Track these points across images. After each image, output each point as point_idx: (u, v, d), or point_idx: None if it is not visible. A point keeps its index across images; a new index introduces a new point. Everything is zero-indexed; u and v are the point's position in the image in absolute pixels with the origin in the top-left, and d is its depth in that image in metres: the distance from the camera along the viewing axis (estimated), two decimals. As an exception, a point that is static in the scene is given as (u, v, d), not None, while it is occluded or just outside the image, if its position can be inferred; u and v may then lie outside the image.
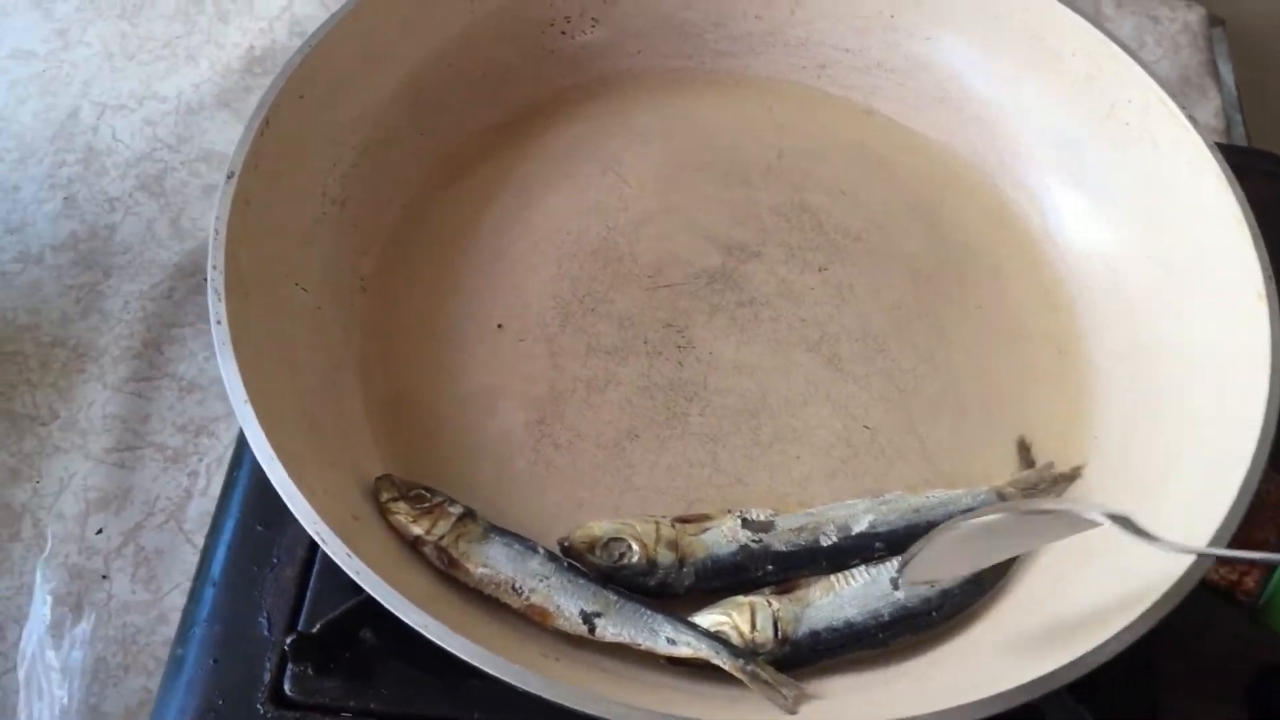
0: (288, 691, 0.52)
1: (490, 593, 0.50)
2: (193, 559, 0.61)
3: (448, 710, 0.52)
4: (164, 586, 0.61)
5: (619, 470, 0.55)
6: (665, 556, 0.50)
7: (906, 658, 0.50)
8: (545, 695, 0.43)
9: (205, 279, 0.70)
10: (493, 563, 0.50)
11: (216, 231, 0.51)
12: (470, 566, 0.50)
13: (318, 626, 0.50)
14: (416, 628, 0.43)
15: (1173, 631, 0.55)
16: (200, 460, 0.65)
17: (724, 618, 0.49)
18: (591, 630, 0.49)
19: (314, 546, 0.56)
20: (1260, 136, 0.83)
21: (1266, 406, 0.49)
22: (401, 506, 0.50)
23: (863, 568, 0.51)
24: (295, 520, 0.53)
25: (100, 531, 0.62)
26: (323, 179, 0.58)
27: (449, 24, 0.63)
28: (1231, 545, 0.46)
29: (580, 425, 0.56)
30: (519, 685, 0.43)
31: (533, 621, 0.49)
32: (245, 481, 0.58)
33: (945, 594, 0.50)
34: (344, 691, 0.52)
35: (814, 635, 0.49)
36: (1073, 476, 0.55)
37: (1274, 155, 0.75)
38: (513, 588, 0.49)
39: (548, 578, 0.50)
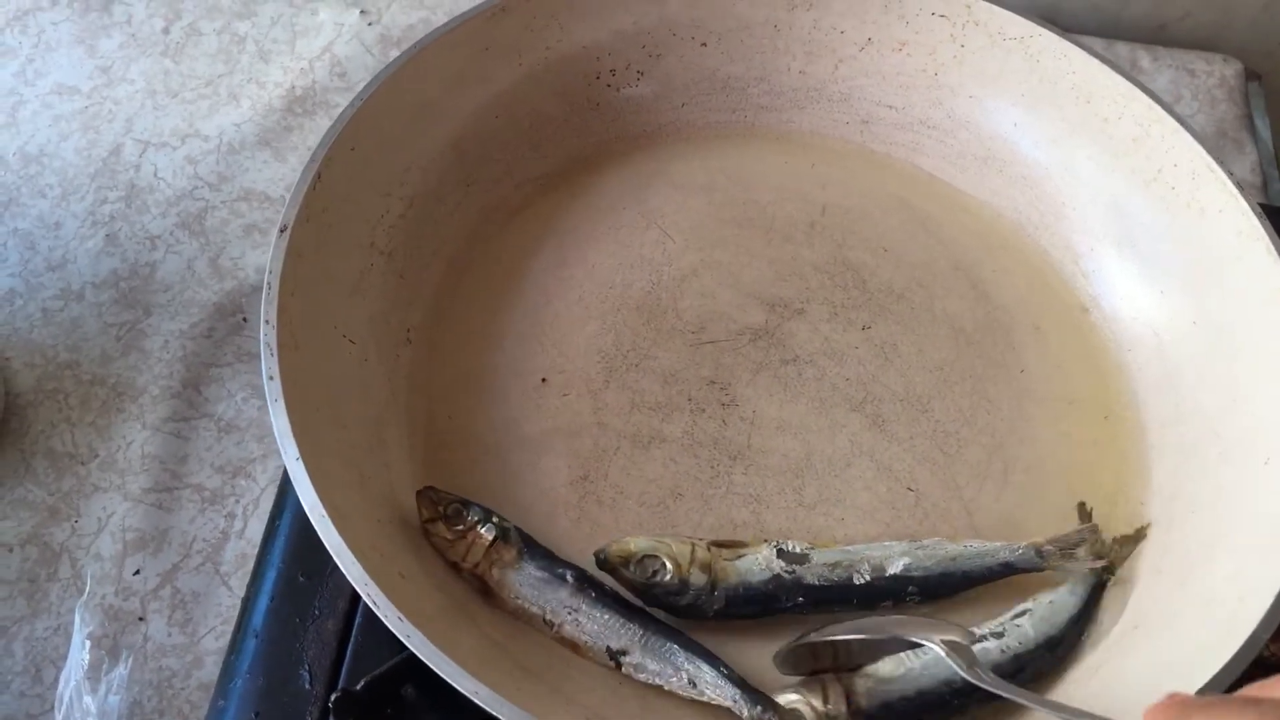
0: (329, 747, 0.52)
1: (525, 621, 0.50)
2: (228, 601, 0.61)
3: (489, 769, 0.52)
4: (200, 630, 0.61)
5: (662, 529, 0.55)
6: (698, 578, 0.51)
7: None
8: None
9: (244, 318, 0.71)
10: (524, 596, 0.51)
11: (269, 285, 0.51)
12: (505, 596, 0.50)
13: (361, 684, 0.50)
14: (467, 694, 0.43)
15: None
16: (237, 502, 0.65)
17: (795, 695, 0.49)
18: (619, 667, 0.49)
19: (356, 598, 0.56)
20: (1299, 191, 0.83)
21: (1317, 481, 0.48)
22: (439, 528, 0.51)
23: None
24: (337, 571, 0.53)
25: (138, 573, 0.62)
26: (371, 230, 0.58)
27: (498, 78, 0.63)
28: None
29: (624, 483, 0.56)
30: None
31: (567, 649, 0.50)
32: (286, 531, 0.59)
33: (1016, 659, 0.50)
34: (385, 748, 0.52)
35: (887, 709, 0.49)
36: (1138, 538, 0.54)
37: (1315, 216, 0.75)
38: (544, 620, 0.50)
39: (575, 610, 0.50)
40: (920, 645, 0.48)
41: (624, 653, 0.49)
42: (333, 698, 0.50)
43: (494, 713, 0.43)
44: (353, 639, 0.55)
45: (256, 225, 0.76)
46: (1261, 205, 0.78)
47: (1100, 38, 0.90)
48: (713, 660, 0.49)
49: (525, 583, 0.50)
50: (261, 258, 0.74)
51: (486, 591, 0.50)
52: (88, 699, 0.58)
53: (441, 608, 0.50)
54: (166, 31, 0.86)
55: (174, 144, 0.80)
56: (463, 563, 0.50)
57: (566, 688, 0.49)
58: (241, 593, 0.61)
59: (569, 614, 0.50)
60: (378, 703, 0.52)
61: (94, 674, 0.58)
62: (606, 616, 0.50)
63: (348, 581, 0.54)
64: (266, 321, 0.50)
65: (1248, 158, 0.85)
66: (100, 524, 0.64)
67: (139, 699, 0.59)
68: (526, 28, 0.63)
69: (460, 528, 0.51)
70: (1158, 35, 0.91)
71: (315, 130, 0.82)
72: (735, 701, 0.48)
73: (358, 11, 0.88)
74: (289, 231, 0.52)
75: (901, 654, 0.50)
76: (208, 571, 0.63)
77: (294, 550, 0.58)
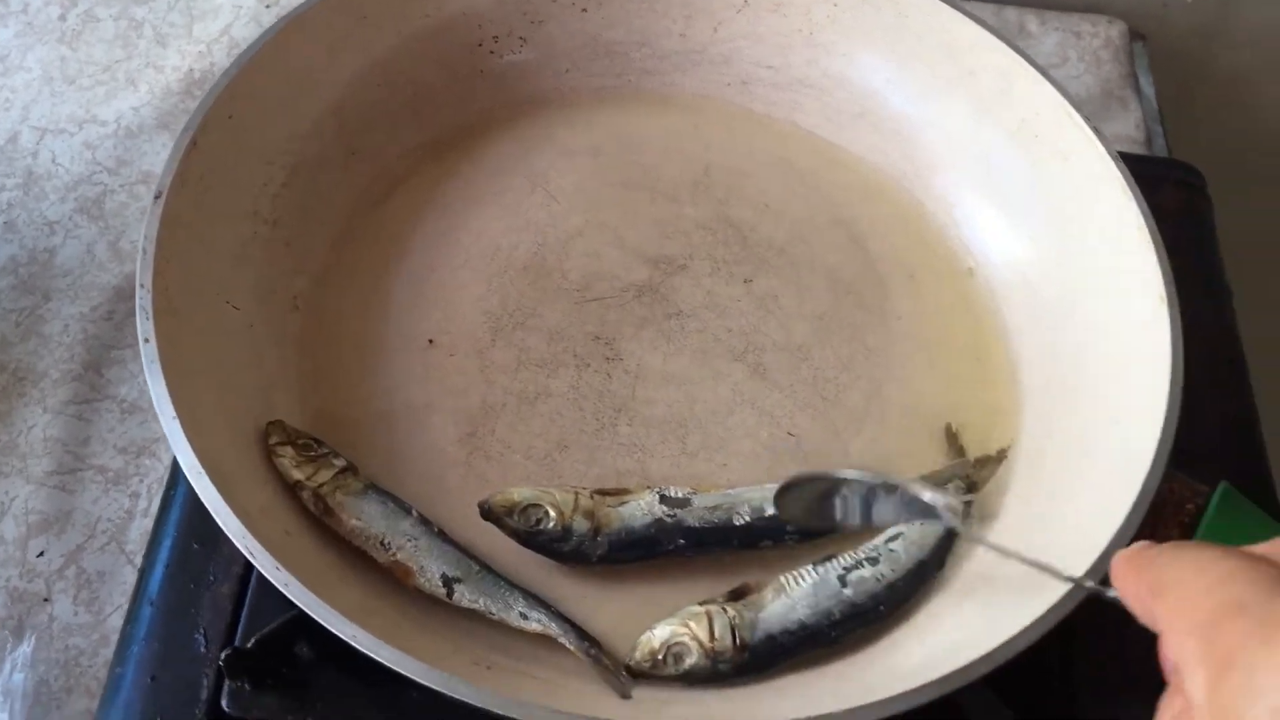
0: (225, 708, 0.53)
1: (359, 544, 0.52)
2: (132, 581, 0.61)
3: (382, 720, 0.53)
4: (105, 608, 0.61)
5: (549, 481, 0.56)
6: (581, 524, 0.52)
7: (852, 653, 0.52)
8: (474, 701, 0.44)
9: (144, 300, 0.71)
10: (365, 517, 0.52)
11: (144, 251, 0.51)
12: (344, 517, 0.52)
13: (252, 641, 0.51)
14: (345, 638, 0.44)
15: (1091, 632, 0.57)
16: (142, 481, 0.65)
17: (683, 629, 0.50)
18: (450, 594, 0.51)
19: (250, 564, 0.57)
20: (1180, 148, 0.86)
21: (1168, 407, 0.50)
22: (288, 451, 0.53)
23: (810, 567, 0.53)
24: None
25: (41, 554, 0.62)
26: (254, 199, 0.59)
27: (377, 46, 0.64)
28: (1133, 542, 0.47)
29: (511, 438, 0.57)
30: (448, 693, 0.44)
31: (394, 576, 0.51)
32: (182, 500, 0.59)
33: (890, 587, 0.52)
34: (281, 706, 0.53)
35: (771, 639, 0.51)
36: (999, 459, 0.57)
37: (1188, 165, 0.77)
38: (381, 543, 0.52)
39: (416, 539, 0.52)
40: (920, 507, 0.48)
41: (459, 580, 0.51)
42: (223, 655, 0.51)
43: (375, 655, 0.44)
44: (247, 603, 0.56)
45: (156, 208, 0.76)
46: (1145, 156, 0.81)
47: (990, 3, 0.92)
48: (543, 601, 0.52)
49: (368, 507, 0.52)
50: (162, 240, 0.75)
51: (326, 512, 0.52)
52: (-9, 678, 0.58)
53: (327, 564, 0.51)
54: (63, 19, 0.86)
55: (71, 130, 0.80)
56: (307, 480, 0.52)
57: (452, 635, 0.50)
58: (134, 584, 0.61)
59: (408, 541, 0.52)
60: (270, 661, 0.53)
61: (-3, 654, 0.59)
62: (446, 548, 0.52)
63: (240, 550, 0.55)
64: (141, 286, 0.50)
65: (1132, 115, 0.87)
66: (3, 508, 0.64)
67: (45, 678, 0.59)
68: (405, -5, 0.64)
69: (311, 454, 0.53)
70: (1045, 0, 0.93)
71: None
72: (564, 633, 0.50)
73: (256, -8, 0.89)
74: (164, 198, 0.53)
75: (781, 579, 0.52)
76: (113, 551, 0.63)
77: (189, 519, 0.58)
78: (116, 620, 0.61)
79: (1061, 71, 0.88)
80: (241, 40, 0.86)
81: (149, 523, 0.63)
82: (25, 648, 0.60)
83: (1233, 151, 0.93)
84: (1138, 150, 0.82)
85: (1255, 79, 0.97)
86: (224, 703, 0.53)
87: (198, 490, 0.47)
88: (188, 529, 0.58)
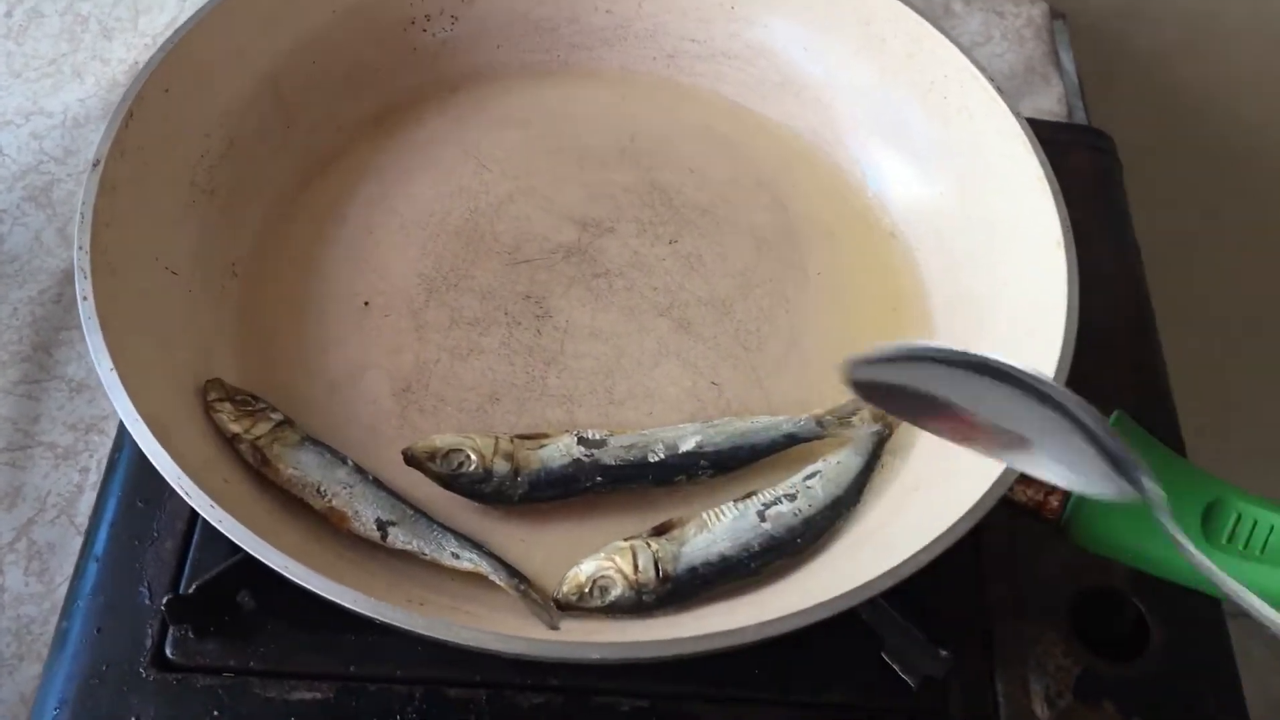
0: (169, 655, 0.55)
1: (296, 493, 0.54)
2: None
3: (322, 665, 0.55)
4: (56, 579, 0.63)
5: (481, 431, 0.58)
6: (501, 466, 0.55)
7: (770, 584, 0.54)
8: (406, 625, 0.46)
9: (93, 284, 0.73)
10: (302, 466, 0.54)
11: (82, 215, 0.54)
12: (280, 467, 0.54)
13: (193, 588, 0.53)
14: (279, 570, 0.46)
15: (1003, 558, 0.60)
16: (91, 456, 0.67)
17: (608, 563, 0.53)
18: (384, 537, 0.53)
19: (193, 519, 0.59)
20: (1099, 120, 0.89)
21: (1064, 339, 0.53)
22: (225, 406, 0.55)
23: (730, 504, 0.55)
24: (175, 495, 0.56)
25: (-9, 528, 0.64)
26: (191, 169, 0.61)
27: (310, 22, 0.66)
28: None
29: (444, 391, 0.60)
30: (380, 618, 0.46)
31: (330, 524, 0.54)
32: (126, 460, 0.61)
33: (807, 521, 0.55)
34: (224, 652, 0.55)
35: (692, 571, 0.53)
36: None
37: (1098, 131, 0.81)
38: (317, 490, 0.54)
39: (351, 486, 0.54)
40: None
41: (393, 524, 0.53)
42: (165, 601, 0.53)
43: (308, 586, 0.46)
44: (189, 558, 0.58)
45: (104, 196, 0.78)
46: (1060, 123, 0.84)
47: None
48: (474, 542, 0.54)
49: (304, 457, 0.55)
50: (110, 226, 0.76)
51: (264, 463, 0.54)
52: (-58, 647, 0.60)
53: (265, 510, 0.53)
54: (9, 15, 0.88)
55: (19, 122, 0.81)
56: (245, 433, 0.54)
57: (386, 575, 0.52)
58: (80, 544, 0.63)
59: (343, 488, 0.54)
60: (213, 609, 0.55)
61: (-52, 623, 0.60)
62: (380, 494, 0.54)
63: (185, 505, 0.57)
64: (80, 248, 0.53)
65: (1054, 90, 0.91)
66: (-47, 484, 0.65)
67: (-3, 646, 0.61)
68: (337, -28, 0.66)
69: (249, 409, 0.55)
70: (969, -19, 0.96)
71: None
72: (494, 570, 0.53)
73: (201, -14, 0.91)
74: (101, 164, 0.55)
75: (704, 515, 0.54)
76: (63, 524, 0.65)
77: (133, 478, 0.60)
78: (67, 590, 0.63)
79: (986, 49, 0.91)
80: (187, 33, 0.87)
81: (98, 496, 0.65)
82: (-24, 616, 0.62)
83: (1149, 122, 0.97)
84: (1060, 122, 0.86)
85: (1170, 55, 1.01)
86: (168, 650, 0.55)
87: (135, 437, 0.48)
88: (132, 489, 0.60)
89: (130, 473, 0.60)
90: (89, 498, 0.66)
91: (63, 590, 0.63)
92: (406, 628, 0.45)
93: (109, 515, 0.60)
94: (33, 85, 0.84)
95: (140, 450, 0.56)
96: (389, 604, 0.45)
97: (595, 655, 0.46)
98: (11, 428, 0.68)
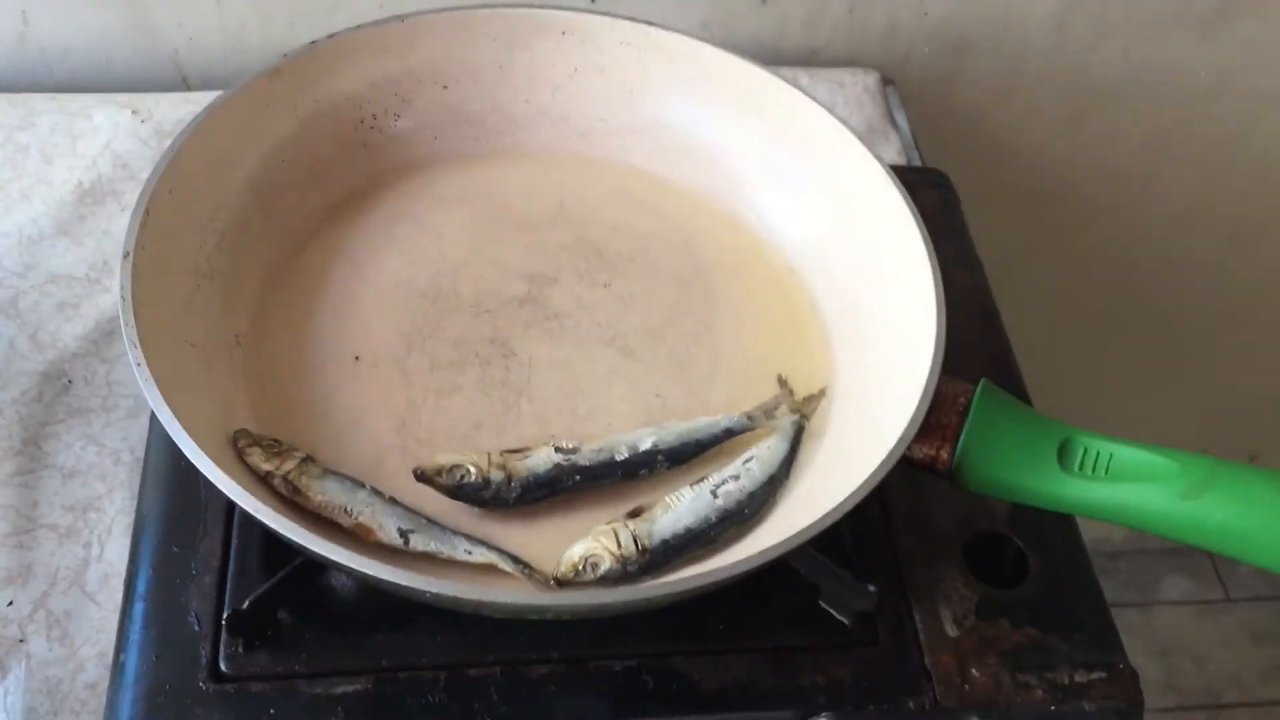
0: (223, 668, 0.62)
1: (326, 515, 0.63)
2: (98, 615, 0.70)
3: (358, 663, 0.64)
4: (77, 641, 0.70)
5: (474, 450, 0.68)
6: (496, 475, 0.65)
7: (726, 548, 0.66)
8: (464, 596, 0.56)
9: (69, 381, 0.81)
10: (329, 492, 0.63)
11: (124, 299, 0.63)
12: (311, 494, 0.63)
13: (247, 602, 0.62)
14: (337, 559, 0.56)
15: (907, 514, 0.73)
16: (92, 532, 0.74)
17: (595, 543, 0.63)
18: (406, 543, 0.63)
19: (225, 556, 0.67)
20: (933, 164, 1.05)
21: (937, 328, 0.67)
22: (256, 450, 0.64)
23: (688, 487, 0.66)
24: (206, 537, 0.66)
25: (11, 604, 0.71)
26: (194, 258, 0.70)
27: (278, 128, 0.76)
28: (923, 430, 0.64)
29: (435, 424, 0.70)
30: (437, 592, 0.55)
31: (358, 538, 0.63)
32: (154, 517, 0.69)
33: (751, 495, 0.66)
34: (271, 661, 0.63)
35: (665, 543, 0.64)
36: (821, 395, 0.72)
37: (938, 171, 0.96)
38: (345, 510, 0.63)
39: (372, 504, 0.64)
40: None
41: (412, 531, 0.63)
42: (225, 615, 0.62)
43: (369, 571, 0.55)
44: (228, 587, 0.66)
45: (68, 302, 0.86)
46: (905, 166, 1.00)
47: (766, 66, 1.10)
48: (480, 540, 0.64)
49: (329, 485, 0.64)
50: (77, 328, 0.84)
51: (296, 492, 0.63)
52: (-10, 705, 0.66)
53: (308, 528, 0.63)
54: (-46, 150, 0.95)
55: (-24, 244, 0.88)
56: (276, 470, 0.63)
57: (418, 566, 0.62)
58: (109, 606, 0.70)
59: (366, 506, 0.63)
60: (259, 626, 0.63)
61: (-11, 687, 0.67)
62: (398, 508, 0.64)
63: (216, 546, 0.66)
64: (127, 324, 0.62)
65: (893, 144, 1.05)
66: (-32, 570, 0.72)
67: (33, 705, 0.67)
68: (297, 86, 0.77)
69: (275, 450, 0.64)
70: (811, 59, 1.12)
71: (107, 216, 0.92)
72: (503, 559, 0.63)
73: (129, 111, 1.00)
74: (131, 256, 0.64)
75: (666, 498, 0.66)
76: (75, 593, 0.72)
77: (164, 530, 0.68)
78: (88, 649, 0.69)
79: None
80: (123, 152, 0.96)
81: (104, 565, 0.72)
82: (17, 672, 0.68)
83: (975, 166, 1.14)
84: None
85: (987, 108, 1.19)
86: (222, 665, 0.63)
87: (205, 473, 0.57)
88: (165, 538, 0.68)
89: (160, 525, 0.69)
90: (96, 568, 0.73)
91: (84, 651, 0.70)
92: (460, 596, 0.55)
93: (145, 562, 0.67)
94: (-17, 210, 0.91)
95: (165, 504, 0.66)
96: (441, 579, 0.55)
97: (607, 599, 0.58)
98: (15, 514, 0.75)
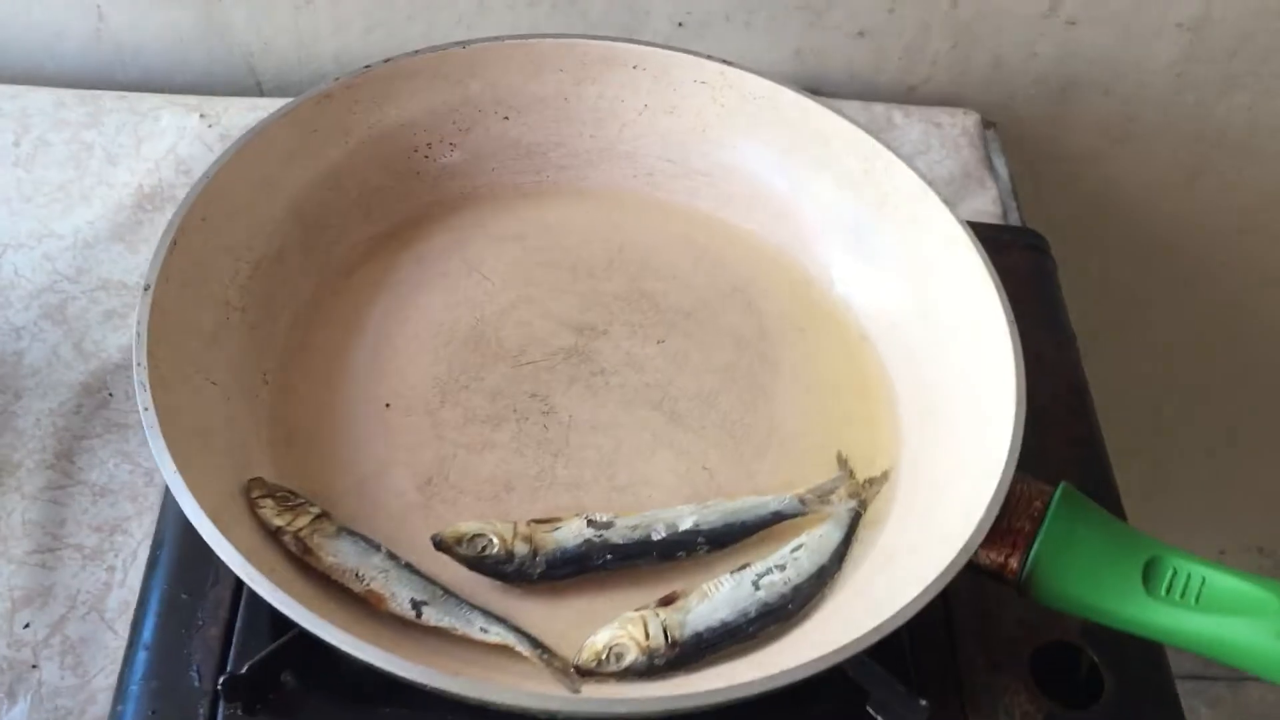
0: (222, 732, 0.59)
1: (336, 578, 0.59)
2: (115, 644, 0.68)
3: (360, 738, 0.60)
4: (90, 670, 0.67)
5: (499, 518, 0.63)
6: (521, 548, 0.60)
7: (767, 645, 0.60)
8: (460, 691, 0.52)
9: (109, 394, 0.79)
10: (341, 554, 0.59)
11: (139, 335, 0.59)
12: (322, 555, 0.59)
13: (246, 667, 0.58)
14: (338, 644, 0.52)
15: (969, 617, 0.67)
16: (116, 556, 0.72)
17: (621, 631, 0.58)
18: (418, 615, 0.58)
19: (234, 608, 0.64)
20: (1033, 218, 0.98)
21: (1015, 419, 0.61)
22: (268, 502, 0.60)
23: (728, 575, 0.61)
24: (215, 587, 0.62)
25: (27, 626, 0.68)
26: (224, 289, 0.67)
27: (327, 154, 0.73)
28: (992, 534, 0.58)
29: (463, 483, 0.65)
30: (428, 683, 0.51)
31: (368, 605, 0.59)
32: (167, 558, 0.66)
33: (796, 589, 0.61)
34: (270, 727, 0.60)
35: (697, 636, 0.59)
36: (884, 479, 0.66)
37: (1033, 231, 0.90)
38: (356, 575, 0.59)
39: (386, 570, 0.59)
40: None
41: (425, 603, 0.59)
42: (221, 680, 0.58)
43: (364, 656, 0.51)
44: (234, 643, 0.63)
45: (116, 311, 0.84)
46: (998, 224, 0.93)
47: (860, 100, 1.04)
48: (498, 617, 0.60)
49: (342, 546, 0.60)
50: (122, 339, 0.82)
51: (306, 551, 0.59)
52: (-7, 735, 0.64)
53: (310, 595, 0.59)
54: (17, 144, 0.94)
55: (31, 244, 0.87)
56: (288, 526, 0.59)
57: (421, 652, 0.58)
58: (126, 635, 0.67)
59: (379, 572, 0.59)
60: (261, 688, 0.60)
61: (-6, 717, 0.65)
62: (413, 577, 0.60)
63: (226, 596, 0.63)
64: (139, 364, 0.58)
65: (989, 192, 0.99)
66: (-12, 586, 0.70)
67: (39, 736, 0.65)
68: (349, 111, 0.73)
69: (289, 504, 0.61)
70: (908, 96, 1.06)
71: (164, 222, 0.89)
72: (520, 642, 0.59)
73: (198, 115, 0.97)
74: (152, 289, 0.61)
75: (704, 586, 0.60)
76: (94, 620, 0.70)
77: (175, 574, 0.65)
78: (101, 681, 0.67)
79: (926, 157, 1.00)
80: (187, 157, 0.94)
81: (125, 592, 0.70)
82: (19, 710, 0.66)
83: (1077, 219, 1.06)
84: (996, 222, 0.94)
85: (1093, 156, 1.11)
86: (220, 729, 0.60)
87: (202, 532, 0.54)
88: (176, 583, 0.65)
89: (172, 569, 0.65)
90: (117, 594, 0.70)
91: (97, 681, 0.67)
92: (457, 691, 0.51)
93: (153, 608, 0.64)
94: (43, 209, 0.89)
95: (183, 548, 0.62)
96: (440, 671, 0.50)
97: (622, 710, 0.52)
98: (40, 531, 0.73)
